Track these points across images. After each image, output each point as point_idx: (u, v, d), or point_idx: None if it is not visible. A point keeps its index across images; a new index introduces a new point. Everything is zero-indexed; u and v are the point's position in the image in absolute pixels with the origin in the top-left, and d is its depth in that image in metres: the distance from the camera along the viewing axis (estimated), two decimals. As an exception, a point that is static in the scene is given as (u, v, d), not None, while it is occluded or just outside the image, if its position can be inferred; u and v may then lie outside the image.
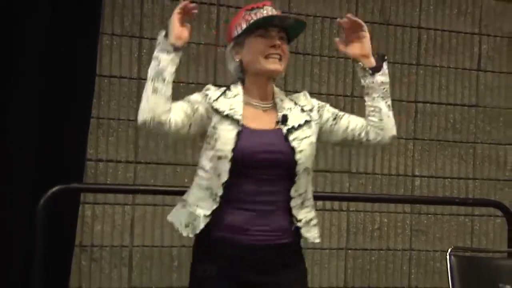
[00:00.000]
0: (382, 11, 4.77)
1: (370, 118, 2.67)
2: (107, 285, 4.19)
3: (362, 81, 2.67)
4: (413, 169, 4.85)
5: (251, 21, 2.53)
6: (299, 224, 2.54)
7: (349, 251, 4.62)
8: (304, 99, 2.65)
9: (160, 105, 2.40)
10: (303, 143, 2.54)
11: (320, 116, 2.64)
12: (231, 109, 2.51)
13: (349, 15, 2.66)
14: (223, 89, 2.58)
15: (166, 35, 2.42)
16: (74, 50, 4.00)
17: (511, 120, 5.06)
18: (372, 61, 2.65)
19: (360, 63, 2.65)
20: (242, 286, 2.51)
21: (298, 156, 2.50)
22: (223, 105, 2.51)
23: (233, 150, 2.46)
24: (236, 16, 2.64)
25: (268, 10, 2.56)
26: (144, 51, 4.31)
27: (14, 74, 3.93)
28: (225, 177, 2.45)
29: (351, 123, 2.67)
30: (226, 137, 2.48)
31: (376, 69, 2.64)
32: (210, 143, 2.50)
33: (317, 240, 2.60)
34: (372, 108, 2.66)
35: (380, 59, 2.68)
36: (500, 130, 5.05)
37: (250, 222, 2.51)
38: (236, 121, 2.49)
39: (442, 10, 4.90)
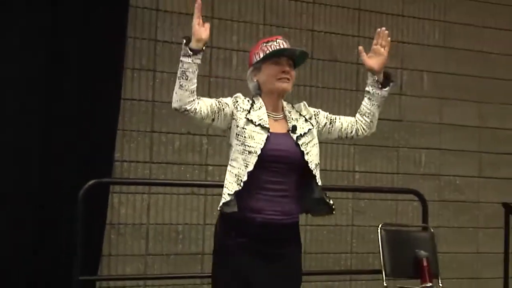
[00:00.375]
0: (331, 51, 4.71)
1: (363, 117, 2.58)
2: (130, 253, 4.14)
3: (369, 88, 2.55)
4: (354, 166, 4.79)
5: (267, 51, 2.43)
6: (331, 202, 2.47)
7: (308, 227, 4.54)
8: (305, 109, 2.54)
9: (184, 97, 2.30)
10: (309, 147, 2.44)
11: (317, 122, 2.54)
12: (260, 119, 2.41)
13: (386, 31, 2.55)
14: (250, 101, 2.45)
15: (187, 42, 2.28)
16: (105, 80, 3.96)
17: (424, 132, 5.00)
18: (381, 76, 2.53)
19: (374, 75, 2.52)
20: (258, 254, 2.37)
21: (307, 157, 2.41)
22: (254, 116, 2.40)
23: (262, 149, 2.36)
24: (255, 47, 2.52)
25: (280, 43, 2.47)
26: (157, 81, 4.23)
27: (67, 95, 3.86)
28: (251, 167, 2.34)
29: (343, 124, 2.58)
30: (258, 138, 2.37)
31: (384, 85, 2.54)
32: (240, 140, 2.38)
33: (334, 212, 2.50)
34: (368, 112, 2.57)
35: (388, 77, 2.55)
36: (416, 139, 5.00)
37: (265, 205, 2.38)
38: (266, 128, 2.39)
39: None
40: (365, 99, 2.58)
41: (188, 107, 2.32)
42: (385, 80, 2.55)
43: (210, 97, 4.23)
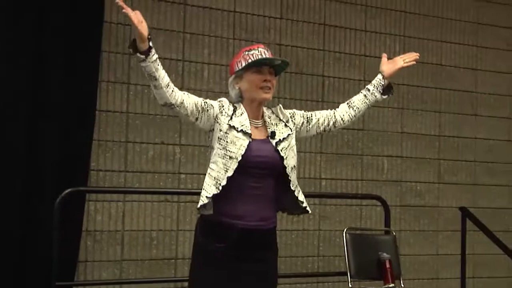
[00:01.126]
0: (298, 64, 4.74)
1: (350, 109, 2.60)
2: (106, 259, 4.12)
3: (371, 87, 2.62)
4: (320, 173, 4.80)
5: (249, 60, 2.40)
6: (303, 205, 2.48)
7: (277, 231, 4.55)
8: (281, 112, 2.53)
9: (163, 93, 2.28)
10: (287, 151, 2.44)
11: (294, 124, 2.53)
12: (242, 125, 2.39)
13: (417, 56, 2.65)
14: (232, 108, 2.42)
15: (134, 48, 2.22)
16: (81, 92, 3.96)
17: (386, 140, 5.04)
18: (386, 82, 2.63)
19: (383, 79, 2.62)
20: (236, 259, 2.36)
21: (285, 162, 2.42)
22: (236, 122, 2.38)
23: (242, 155, 2.34)
24: (237, 55, 2.49)
25: (262, 52, 2.44)
26: (131, 93, 4.24)
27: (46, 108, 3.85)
28: (230, 173, 2.33)
29: (319, 119, 2.58)
30: (239, 143, 2.35)
31: (384, 91, 2.64)
32: (222, 144, 2.36)
33: (310, 211, 2.54)
34: (358, 106, 2.61)
35: (390, 88, 2.64)
36: (379, 147, 5.03)
37: (245, 211, 2.37)
38: (248, 134, 2.38)
39: (338, 64, 4.88)
40: (361, 94, 2.64)
41: (172, 101, 2.30)
42: (387, 88, 2.66)
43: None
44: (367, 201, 4.87)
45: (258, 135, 2.44)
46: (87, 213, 4.08)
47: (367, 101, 2.65)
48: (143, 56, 2.23)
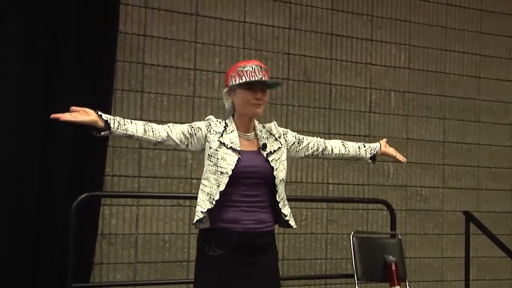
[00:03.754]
0: (305, 72, 4.75)
1: (342, 147, 2.71)
2: (120, 261, 4.12)
3: (367, 147, 2.80)
4: (328, 178, 4.80)
5: (243, 77, 2.41)
6: (286, 218, 2.47)
7: (285, 235, 4.56)
8: (275, 128, 2.56)
9: (145, 140, 2.35)
10: (278, 163, 2.46)
11: (286, 141, 2.56)
12: (232, 142, 2.41)
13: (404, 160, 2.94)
14: (223, 124, 2.45)
15: (97, 133, 2.26)
16: (96, 100, 3.90)
17: (392, 146, 4.93)
18: (378, 153, 2.86)
19: (379, 149, 2.84)
20: (238, 262, 2.38)
21: (275, 173, 2.43)
22: (226, 139, 2.41)
23: (233, 169, 2.36)
24: (232, 68, 2.49)
25: (255, 70, 2.43)
26: (144, 101, 4.25)
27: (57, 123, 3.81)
28: (222, 187, 2.36)
29: (309, 144, 2.63)
30: (229, 159, 2.37)
31: (372, 158, 2.83)
32: (212, 161, 2.39)
33: (295, 226, 2.54)
34: (349, 151, 2.74)
35: (375, 159, 2.85)
36: None
37: (241, 215, 2.39)
38: (237, 151, 2.40)
39: (345, 72, 4.89)
40: (356, 145, 2.79)
41: (158, 140, 2.36)
42: (374, 157, 2.86)
43: (194, 116, 4.38)
44: (373, 205, 4.86)
45: (249, 146, 2.46)
46: (102, 217, 4.08)
47: (358, 152, 2.80)
48: (107, 132, 2.27)
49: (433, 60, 5.22)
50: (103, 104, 4.01)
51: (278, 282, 2.53)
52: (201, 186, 2.44)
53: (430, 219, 5.14)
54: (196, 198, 2.47)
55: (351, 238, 3.81)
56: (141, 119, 4.21)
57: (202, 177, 2.44)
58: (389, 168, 5.02)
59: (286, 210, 2.49)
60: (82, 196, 3.43)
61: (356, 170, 4.90)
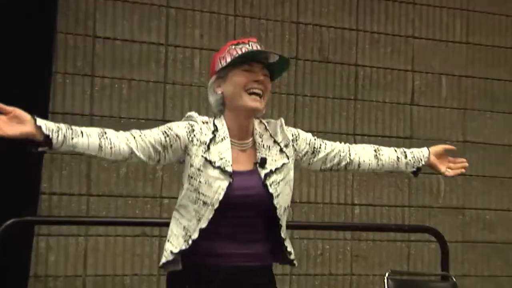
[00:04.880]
0: (321, 49, 4.84)
1: (374, 160, 2.71)
2: None
3: (410, 157, 2.75)
4: (353, 198, 4.86)
5: (236, 55, 2.45)
6: (291, 257, 2.54)
7: (293, 276, 4.61)
8: (281, 131, 2.55)
9: (104, 156, 2.36)
10: (280, 187, 2.48)
11: (295, 150, 2.57)
12: (221, 159, 2.41)
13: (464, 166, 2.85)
14: (211, 127, 2.45)
15: (36, 148, 2.24)
16: (27, 88, 3.91)
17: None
18: (424, 165, 2.81)
19: (426, 162, 2.77)
20: None
21: (276, 201, 2.45)
22: (214, 154, 2.41)
23: (221, 200, 2.38)
24: (221, 50, 2.54)
25: (253, 46, 2.49)
26: (96, 88, 4.31)
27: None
28: (204, 224, 2.38)
29: (329, 154, 2.64)
30: (216, 186, 2.39)
31: (415, 171, 2.78)
32: (193, 185, 2.40)
33: (297, 264, 2.61)
34: (383, 164, 2.73)
35: (420, 170, 2.82)
36: None
37: (229, 248, 2.44)
38: (227, 173, 2.40)
39: (376, 49, 4.99)
40: (394, 154, 2.76)
41: (119, 158, 2.37)
42: (418, 169, 2.82)
43: (165, 109, 4.40)
44: (416, 235, 4.96)
45: (243, 162, 2.47)
46: (36, 251, 4.10)
47: (396, 165, 2.79)
48: (46, 148, 2.25)
49: (501, 32, 5.30)
50: (38, 94, 4.06)
51: None
52: (175, 214, 2.46)
53: (497, 254, 5.24)
54: (167, 225, 2.49)
55: (385, 280, 3.85)
56: (91, 115, 4.32)
57: (178, 201, 2.45)
58: (439, 183, 5.11)
59: (290, 247, 2.54)
60: (7, 222, 3.43)
61: (393, 186, 4.99)
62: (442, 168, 2.84)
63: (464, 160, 2.89)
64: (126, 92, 4.39)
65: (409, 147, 5.00)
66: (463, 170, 2.89)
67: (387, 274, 3.87)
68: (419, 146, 4.93)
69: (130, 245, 4.34)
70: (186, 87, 4.50)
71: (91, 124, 4.21)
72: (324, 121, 4.84)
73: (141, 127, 4.44)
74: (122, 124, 4.31)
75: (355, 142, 4.82)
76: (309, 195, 4.76)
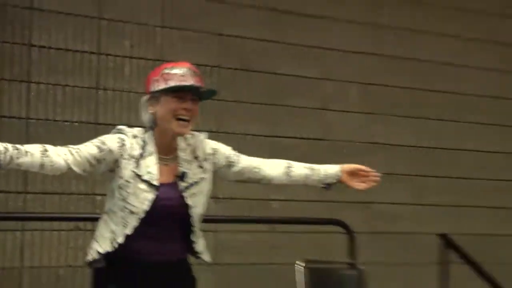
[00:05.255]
0: (243, 59, 5.02)
1: (283, 177, 2.85)
2: None
3: (322, 175, 2.86)
4: (269, 194, 5.08)
5: (169, 81, 2.56)
6: (201, 256, 2.73)
7: (216, 265, 4.47)
8: (202, 147, 2.70)
9: (46, 172, 2.48)
10: (197, 199, 2.65)
11: (214, 163, 2.73)
12: (148, 173, 2.56)
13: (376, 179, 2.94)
14: (140, 142, 2.58)
15: None
16: None
17: (352, 152, 5.35)
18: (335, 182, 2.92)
19: (336, 179, 2.89)
20: None
21: (191, 211, 2.64)
22: (142, 168, 2.55)
23: (146, 211, 2.54)
24: (155, 71, 2.63)
25: (185, 73, 2.59)
26: (32, 94, 4.41)
27: None
28: (129, 230, 2.55)
29: (244, 169, 2.80)
30: (143, 197, 2.55)
31: (327, 186, 2.90)
32: (122, 195, 2.56)
33: (209, 260, 2.78)
34: (294, 179, 2.87)
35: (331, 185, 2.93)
36: (343, 160, 5.24)
37: (149, 246, 2.60)
38: (154, 187, 2.56)
39: (294, 59, 5.21)
40: (304, 172, 2.89)
41: (58, 173, 2.51)
42: (329, 185, 2.95)
43: (98, 114, 4.56)
44: (327, 227, 5.09)
45: (166, 175, 2.63)
46: (-27, 246, 4.17)
47: (306, 181, 2.93)
48: None
49: (405, 43, 5.63)
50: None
51: None
52: (104, 216, 2.63)
53: (399, 244, 5.56)
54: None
55: (298, 268, 4.16)
56: (27, 118, 4.42)
57: (107, 205, 2.62)
58: None
59: (199, 247, 2.73)
60: None
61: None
62: (354, 184, 2.92)
63: (376, 173, 2.97)
64: (60, 97, 4.51)
65: (321, 148, 5.27)
66: (374, 184, 2.97)
67: (299, 263, 4.11)
68: (330, 146, 5.28)
69: (64, 239, 4.45)
70: (117, 93, 4.64)
71: (26, 126, 4.40)
72: (245, 125, 5.05)
73: (74, 130, 4.64)
74: (57, 127, 4.47)
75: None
76: (230, 191, 4.92)
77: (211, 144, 2.75)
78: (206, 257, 2.77)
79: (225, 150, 2.78)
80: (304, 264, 4.20)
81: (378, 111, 5.53)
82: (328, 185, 2.95)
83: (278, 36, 5.21)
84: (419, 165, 5.67)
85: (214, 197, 4.53)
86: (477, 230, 5.85)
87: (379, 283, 5.30)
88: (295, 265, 4.21)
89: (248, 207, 5.05)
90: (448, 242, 5.17)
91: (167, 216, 2.63)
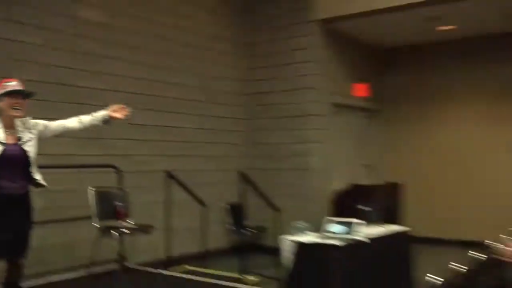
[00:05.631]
0: None
1: (78, 125, 4.47)
2: None
3: (100, 121, 4.50)
4: (76, 151, 7.09)
5: (7, 89, 4.23)
6: (39, 181, 4.35)
7: (43, 193, 5.08)
8: (27, 123, 4.30)
9: None
10: (30, 148, 4.30)
11: (37, 130, 4.37)
12: (0, 137, 4.16)
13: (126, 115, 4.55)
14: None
15: None
16: None
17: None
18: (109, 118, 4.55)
19: (109, 117, 4.47)
20: (7, 211, 4.23)
21: (29, 154, 4.29)
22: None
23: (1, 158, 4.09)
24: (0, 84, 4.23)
25: (14, 85, 4.29)
26: None
27: None
28: None
29: (53, 126, 4.39)
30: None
31: (106, 122, 4.56)
32: None
33: (46, 184, 4.32)
34: (85, 125, 4.50)
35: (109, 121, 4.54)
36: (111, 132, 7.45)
37: (7, 184, 4.19)
38: (2, 143, 4.13)
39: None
40: (91, 117, 4.49)
41: None
42: (107, 121, 4.70)
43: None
44: (107, 169, 7.53)
45: (11, 139, 4.17)
46: None
47: (92, 123, 4.58)
48: None
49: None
50: None
51: (31, 218, 4.44)
52: None
53: (139, 175, 8.13)
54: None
55: (90, 191, 6.60)
56: None
57: None
58: (117, 143, 7.79)
59: (38, 176, 4.23)
60: None
61: (98, 145, 7.52)
62: (117, 116, 4.59)
63: (128, 109, 4.57)
64: None
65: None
66: (127, 114, 4.58)
67: (92, 188, 6.60)
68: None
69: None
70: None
71: None
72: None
73: None
74: None
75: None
76: (52, 151, 6.57)
77: (34, 121, 4.42)
78: (43, 182, 4.38)
79: (42, 122, 4.44)
80: (94, 189, 6.60)
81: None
82: (107, 122, 4.59)
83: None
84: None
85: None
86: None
87: (136, 196, 7.59)
88: (88, 189, 6.60)
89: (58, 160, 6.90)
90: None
91: (15, 161, 4.19)
